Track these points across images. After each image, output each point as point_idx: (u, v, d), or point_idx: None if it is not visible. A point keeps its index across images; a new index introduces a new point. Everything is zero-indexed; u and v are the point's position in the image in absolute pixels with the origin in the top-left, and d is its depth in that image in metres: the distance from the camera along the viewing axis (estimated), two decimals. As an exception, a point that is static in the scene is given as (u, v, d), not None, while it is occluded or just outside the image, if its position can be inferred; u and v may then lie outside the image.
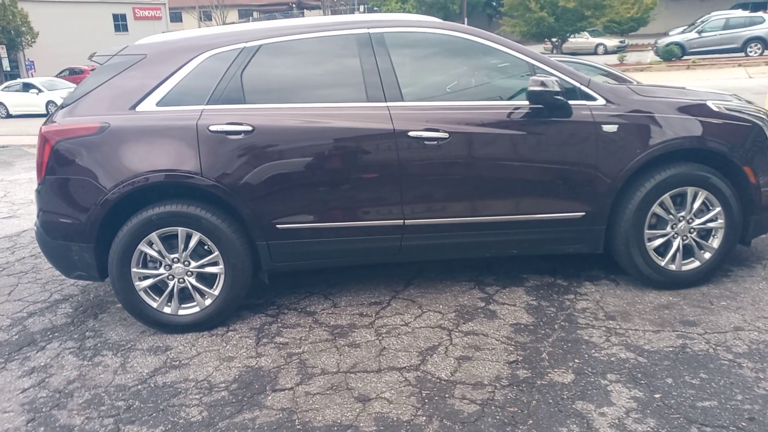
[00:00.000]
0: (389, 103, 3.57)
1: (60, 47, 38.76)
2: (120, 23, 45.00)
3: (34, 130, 3.67)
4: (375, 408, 2.74)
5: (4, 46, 36.37)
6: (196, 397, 2.91)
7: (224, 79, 3.60)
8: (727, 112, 3.78)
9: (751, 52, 23.17)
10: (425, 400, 2.77)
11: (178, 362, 3.25)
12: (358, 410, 2.73)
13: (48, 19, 38.95)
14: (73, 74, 29.75)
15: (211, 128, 3.45)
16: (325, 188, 3.56)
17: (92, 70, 3.94)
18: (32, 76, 37.64)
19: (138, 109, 3.55)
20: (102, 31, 40.54)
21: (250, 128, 3.47)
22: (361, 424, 2.63)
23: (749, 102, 4.13)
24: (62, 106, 3.72)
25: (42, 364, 3.33)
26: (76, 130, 3.51)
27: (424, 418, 2.65)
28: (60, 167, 3.50)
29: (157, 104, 3.56)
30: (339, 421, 2.66)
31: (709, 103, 3.79)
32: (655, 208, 3.67)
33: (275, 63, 3.69)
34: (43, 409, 2.89)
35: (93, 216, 3.44)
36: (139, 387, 3.03)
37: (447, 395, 2.81)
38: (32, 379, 3.17)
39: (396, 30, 3.77)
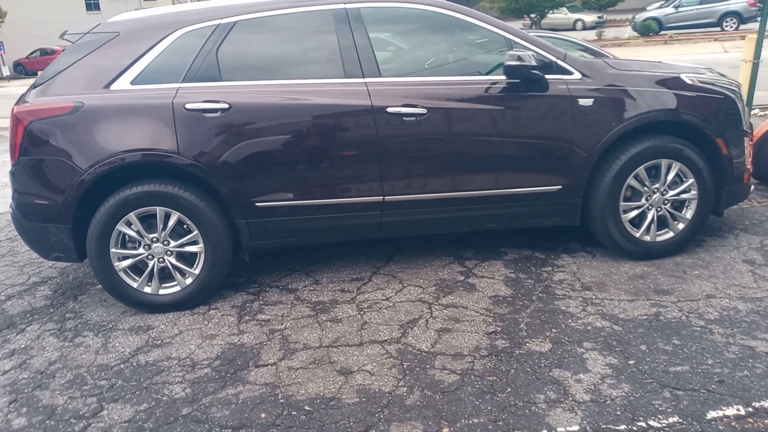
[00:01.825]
0: (367, 79, 3.56)
1: (30, 27, 37.85)
2: (92, 2, 43.89)
3: (6, 112, 3.61)
4: (357, 380, 2.78)
5: (-29, 27, 35.41)
6: (179, 374, 2.93)
7: (199, 56, 3.56)
8: (700, 84, 3.83)
9: (726, 26, 23.40)
10: (406, 372, 2.82)
11: (160, 341, 3.26)
12: (340, 383, 2.77)
13: (17, -2, 37.93)
14: (45, 55, 29.14)
15: (187, 106, 3.43)
16: (303, 165, 3.55)
17: (63, 50, 3.87)
18: (2, 57, 36.77)
19: (112, 87, 3.50)
20: (73, 11, 39.54)
21: (226, 106, 3.44)
22: (344, 396, 2.67)
23: (722, 75, 4.19)
24: (34, 86, 3.65)
25: (22, 346, 3.32)
26: (49, 109, 3.46)
27: (406, 388, 2.70)
28: (34, 148, 3.45)
29: (132, 82, 3.51)
30: (322, 393, 2.70)
31: (683, 76, 3.83)
32: (630, 181, 3.73)
33: (251, 39, 3.65)
34: (25, 390, 2.89)
35: (69, 197, 3.40)
36: (122, 366, 3.04)
37: (427, 366, 2.86)
38: (13, 361, 3.16)
39: (373, 5, 3.74)
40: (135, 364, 3.05)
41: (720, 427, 2.35)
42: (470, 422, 2.45)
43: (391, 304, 3.50)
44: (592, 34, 25.38)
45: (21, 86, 22.19)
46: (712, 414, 2.42)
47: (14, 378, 3.00)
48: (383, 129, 3.53)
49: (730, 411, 2.43)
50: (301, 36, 3.72)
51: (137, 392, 2.80)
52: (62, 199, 3.42)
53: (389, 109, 3.51)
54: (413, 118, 3.53)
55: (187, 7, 3.91)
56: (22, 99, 3.62)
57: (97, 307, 3.74)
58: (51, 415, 2.68)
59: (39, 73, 3.87)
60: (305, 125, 3.54)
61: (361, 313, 3.42)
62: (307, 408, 2.61)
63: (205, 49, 3.56)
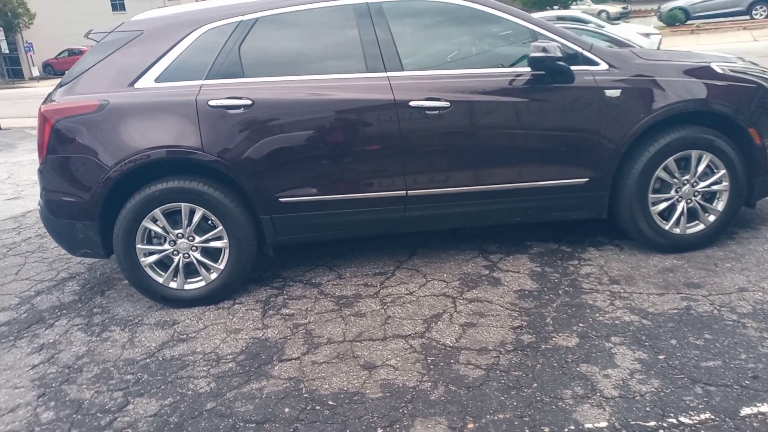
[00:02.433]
0: (389, 73, 3.54)
1: (57, 28, 38.55)
2: (117, 2, 44.57)
3: (36, 112, 3.66)
4: (381, 375, 2.77)
5: (1, 29, 36.15)
6: (204, 368, 2.95)
7: (222, 53, 3.57)
8: (731, 73, 3.73)
9: (756, 14, 22.79)
10: (430, 366, 2.80)
11: (185, 336, 3.29)
12: (364, 377, 2.76)
13: (44, 0, 38.61)
14: (72, 55, 29.65)
15: (211, 103, 3.44)
16: (326, 161, 3.55)
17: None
18: (31, 58, 37.51)
19: (137, 85, 3.53)
20: (99, 10, 40.16)
21: (249, 102, 3.45)
22: (368, 391, 2.66)
23: (754, 63, 4.08)
24: (60, 85, 3.70)
25: (51, 340, 3.37)
26: (75, 108, 3.50)
27: (430, 383, 2.67)
28: (61, 146, 3.50)
29: (156, 80, 3.54)
30: (345, 388, 2.69)
31: (714, 65, 3.74)
32: (659, 172, 3.65)
33: (273, 36, 3.65)
34: (53, 384, 2.93)
35: (96, 194, 3.44)
36: (148, 360, 3.07)
37: (452, 361, 2.83)
38: (42, 356, 3.21)
39: (394, -1, 3.72)
40: (160, 359, 3.07)
41: (755, 424, 2.28)
42: (495, 418, 2.42)
43: (414, 299, 3.47)
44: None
45: (50, 86, 22.58)
46: (745, 411, 2.35)
47: (43, 372, 3.05)
48: (406, 123, 3.50)
49: (765, 408, 2.36)
50: (323, 31, 3.71)
51: (162, 386, 2.83)
52: (89, 196, 3.46)
53: (412, 103, 3.48)
54: (436, 112, 3.50)
55: (210, 4, 3.93)
56: (48, 98, 3.68)
57: (123, 302, 3.78)
58: (78, 409, 2.71)
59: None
60: (327, 120, 3.53)
61: (385, 307, 3.40)
62: (330, 403, 2.60)
63: (227, 45, 3.57)
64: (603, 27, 14.67)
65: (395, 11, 3.69)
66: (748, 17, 22.79)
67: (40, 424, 2.64)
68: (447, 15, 3.82)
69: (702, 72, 3.70)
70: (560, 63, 3.48)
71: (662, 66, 3.69)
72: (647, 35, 15.03)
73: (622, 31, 14.80)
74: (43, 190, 3.64)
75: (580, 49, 3.64)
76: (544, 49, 3.41)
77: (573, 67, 3.55)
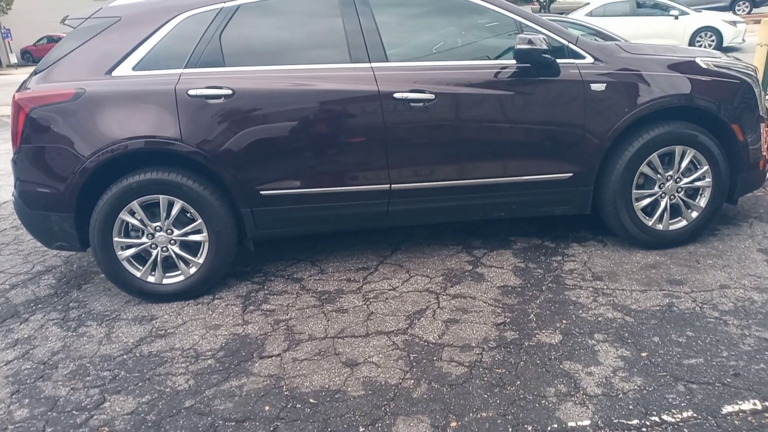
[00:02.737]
0: (373, 64, 3.48)
1: (36, 14, 37.72)
2: (98, -12, 43.75)
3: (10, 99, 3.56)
4: (363, 372, 2.73)
5: (-22, 14, 35.40)
6: (183, 365, 2.89)
7: (202, 41, 3.48)
8: (716, 69, 3.72)
9: (739, 10, 22.98)
10: (413, 364, 2.77)
11: (163, 331, 3.22)
12: (346, 375, 2.72)
13: (23, -16, 37.81)
14: (51, 42, 29.10)
15: (190, 92, 3.36)
16: (308, 153, 3.48)
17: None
18: (9, 45, 36.78)
19: (114, 73, 3.44)
20: (79, -3, 39.42)
21: (230, 92, 3.37)
22: (349, 389, 2.62)
23: (737, 59, 4.08)
24: (35, 72, 3.60)
25: (26, 335, 3.28)
26: (50, 96, 3.40)
27: (412, 381, 2.64)
28: (35, 135, 3.40)
29: (134, 68, 3.45)
30: (327, 386, 2.65)
31: (698, 60, 3.73)
32: (643, 168, 3.64)
33: (254, 24, 3.57)
34: (28, 381, 2.85)
35: (71, 185, 3.35)
36: (125, 357, 3.00)
37: (435, 358, 2.80)
38: (16, 351, 3.13)
39: (379, -12, 3.65)
40: (138, 355, 3.01)
41: (736, 422, 2.28)
42: (478, 416, 2.40)
43: (397, 294, 3.44)
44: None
45: (28, 74, 22.15)
46: (727, 408, 2.36)
47: (17, 368, 2.97)
48: (390, 115, 3.45)
49: (746, 405, 2.37)
50: (306, 20, 3.64)
51: (140, 384, 2.76)
52: (64, 188, 3.37)
53: (396, 95, 3.43)
54: (421, 104, 3.45)
55: (190, -9, 3.83)
56: (23, 86, 3.57)
57: (100, 296, 3.70)
58: (53, 407, 2.64)
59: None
60: (310, 111, 3.46)
61: (368, 303, 3.37)
62: (312, 401, 2.56)
63: (207, 33, 3.49)
64: (688, 13, 14.64)
65: (380, 0, 3.62)
66: (730, 12, 22.96)
67: (14, 422, 2.57)
68: (433, 5, 3.77)
69: (687, 67, 3.69)
70: (546, 56, 3.44)
71: (647, 60, 3.67)
72: (734, 23, 15.04)
73: (708, 18, 14.75)
74: (17, 180, 3.54)
75: (566, 42, 3.61)
76: (529, 41, 3.37)
77: (559, 60, 3.52)
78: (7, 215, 5.48)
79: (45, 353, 3.09)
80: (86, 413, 2.58)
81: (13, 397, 2.74)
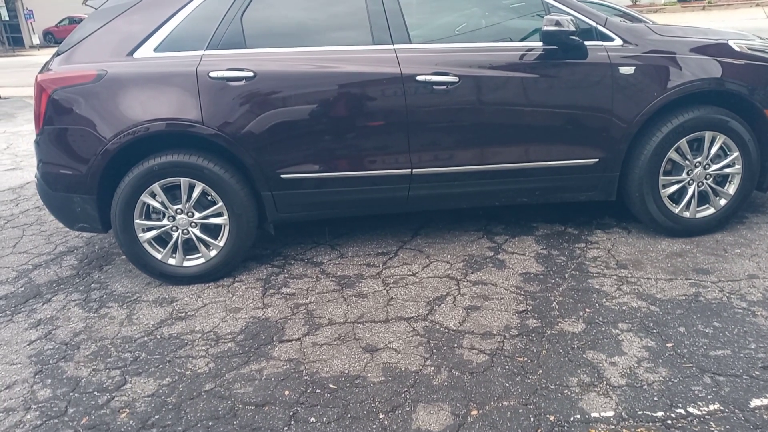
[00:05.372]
0: (396, 46, 3.42)
1: (58, -5, 37.92)
2: (119, -31, 43.77)
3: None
4: (383, 358, 2.71)
5: (1, -5, 35.66)
6: (203, 348, 2.90)
7: (224, 22, 3.45)
8: (749, 52, 3.61)
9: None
10: (433, 350, 2.74)
11: (184, 314, 3.23)
12: (365, 360, 2.70)
13: (45, -35, 37.96)
14: (73, 23, 29.23)
15: (212, 74, 3.33)
16: (329, 136, 3.45)
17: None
18: (32, 26, 37.06)
19: (135, 55, 3.42)
20: (101, -23, 39.48)
21: (251, 74, 3.34)
22: (369, 375, 2.60)
23: (771, 42, 3.95)
24: (58, 53, 3.59)
25: (48, 316, 3.32)
26: (72, 78, 3.39)
27: (433, 368, 2.62)
28: (58, 117, 3.40)
29: (155, 50, 3.43)
30: (347, 371, 2.64)
31: (731, 43, 3.62)
32: (671, 154, 3.56)
33: (276, 4, 3.53)
34: (50, 361, 2.88)
35: (94, 167, 3.36)
36: (146, 339, 3.02)
37: (455, 345, 2.77)
38: (39, 332, 3.16)
39: (402, -32, 3.58)
40: (159, 337, 3.02)
41: (765, 416, 2.23)
42: (500, 405, 2.37)
43: (417, 280, 3.41)
44: (626, 0, 24.53)
45: (50, 55, 22.34)
46: (755, 402, 2.30)
47: (40, 348, 3.00)
48: (412, 98, 3.40)
49: (776, 399, 2.31)
50: (328, 1, 3.58)
51: (161, 366, 2.78)
52: (86, 169, 3.37)
53: (419, 77, 3.37)
54: (444, 87, 3.39)
55: (211, -29, 3.78)
56: (46, 67, 3.57)
57: (122, 277, 3.72)
58: (75, 387, 2.67)
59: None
60: (332, 94, 3.42)
61: (387, 288, 3.34)
62: (331, 386, 2.55)
63: (229, 14, 3.45)
64: None
65: (404, -19, 3.55)
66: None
67: (37, 401, 2.60)
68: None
69: (718, 50, 3.58)
70: (573, 38, 3.35)
71: (678, 42, 3.57)
72: None
73: None
74: (39, 161, 3.56)
75: (594, 24, 3.51)
76: (557, 23, 3.29)
77: (586, 42, 3.43)
78: (30, 196, 5.53)
79: (67, 334, 3.12)
80: (107, 394, 2.60)
81: (36, 377, 2.77)
